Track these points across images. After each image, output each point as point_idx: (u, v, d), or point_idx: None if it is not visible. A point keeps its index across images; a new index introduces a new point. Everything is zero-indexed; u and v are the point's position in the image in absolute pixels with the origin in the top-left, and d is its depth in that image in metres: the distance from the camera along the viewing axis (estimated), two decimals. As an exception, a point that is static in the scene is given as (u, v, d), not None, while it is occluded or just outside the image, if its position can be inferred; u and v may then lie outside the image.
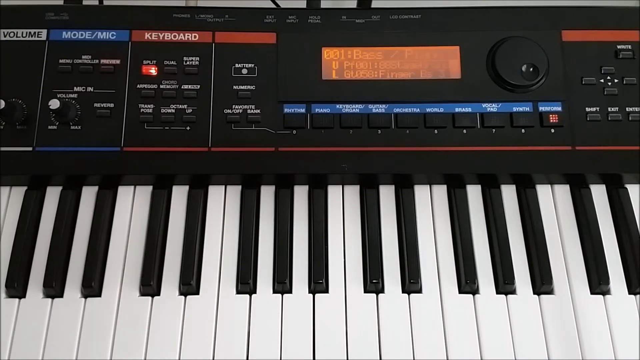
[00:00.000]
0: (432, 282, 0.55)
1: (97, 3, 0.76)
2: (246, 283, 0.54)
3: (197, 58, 0.59)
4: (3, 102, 0.55)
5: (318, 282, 0.54)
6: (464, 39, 0.61)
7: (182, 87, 0.59)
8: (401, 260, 0.56)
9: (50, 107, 0.55)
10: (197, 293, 0.54)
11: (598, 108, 0.59)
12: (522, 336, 0.53)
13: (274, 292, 0.55)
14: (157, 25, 0.60)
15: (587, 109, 0.59)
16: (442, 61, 0.60)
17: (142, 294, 0.54)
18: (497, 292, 0.55)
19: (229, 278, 0.55)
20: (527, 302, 0.54)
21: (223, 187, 0.60)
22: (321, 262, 0.55)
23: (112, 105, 0.58)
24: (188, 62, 0.59)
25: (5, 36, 0.59)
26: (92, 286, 0.54)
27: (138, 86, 0.59)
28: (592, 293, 0.55)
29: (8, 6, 0.61)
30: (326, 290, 0.55)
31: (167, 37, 0.60)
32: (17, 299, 0.54)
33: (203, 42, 0.60)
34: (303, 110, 0.59)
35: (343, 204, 0.59)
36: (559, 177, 0.59)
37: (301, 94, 0.59)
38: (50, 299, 0.54)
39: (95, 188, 0.59)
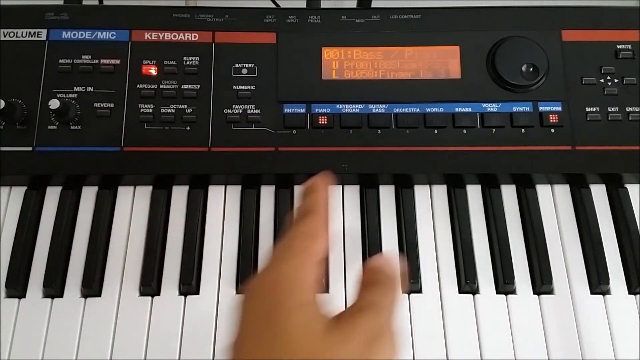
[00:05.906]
0: (432, 282, 0.55)
1: (97, 3, 0.76)
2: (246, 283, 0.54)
3: (197, 58, 0.59)
4: (3, 102, 0.55)
5: (318, 282, 0.54)
6: (464, 39, 0.61)
7: (182, 87, 0.59)
8: (401, 260, 0.56)
9: (50, 107, 0.55)
10: (197, 293, 0.54)
11: (598, 108, 0.59)
12: (522, 336, 0.53)
13: (274, 292, 0.55)
14: (157, 25, 0.60)
15: (587, 109, 0.59)
16: (442, 61, 0.60)
17: (142, 294, 0.54)
18: (497, 292, 0.55)
19: (229, 278, 0.55)
20: (527, 302, 0.54)
21: (223, 187, 0.59)
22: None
23: (112, 105, 0.58)
24: (188, 62, 0.59)
25: (5, 36, 0.59)
26: (92, 286, 0.54)
27: (138, 86, 0.59)
28: (592, 293, 0.55)
29: (8, 6, 0.60)
30: (326, 290, 0.55)
31: (167, 37, 0.60)
32: (17, 299, 0.54)
33: (203, 42, 0.60)
34: (303, 110, 0.59)
35: (343, 203, 0.59)
36: (559, 177, 0.59)
37: (301, 94, 0.59)
38: (50, 299, 0.54)
39: (95, 188, 0.59)
